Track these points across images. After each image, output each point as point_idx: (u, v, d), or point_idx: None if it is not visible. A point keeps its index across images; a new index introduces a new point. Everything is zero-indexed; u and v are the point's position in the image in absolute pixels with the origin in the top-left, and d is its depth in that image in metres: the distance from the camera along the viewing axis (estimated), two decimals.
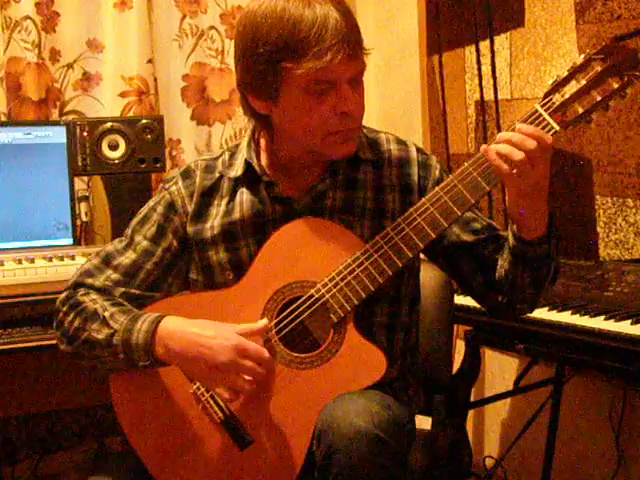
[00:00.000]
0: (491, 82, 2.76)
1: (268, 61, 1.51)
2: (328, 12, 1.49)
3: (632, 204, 2.31)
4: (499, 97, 2.74)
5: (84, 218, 2.73)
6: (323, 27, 1.48)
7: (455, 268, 1.68)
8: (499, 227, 1.68)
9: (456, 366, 2.35)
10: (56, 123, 2.62)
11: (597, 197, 2.40)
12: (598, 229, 2.41)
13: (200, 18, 3.16)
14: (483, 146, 1.49)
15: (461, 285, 1.73)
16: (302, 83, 1.50)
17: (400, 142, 1.70)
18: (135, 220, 1.70)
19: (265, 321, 1.54)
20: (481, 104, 2.82)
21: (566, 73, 1.49)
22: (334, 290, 1.54)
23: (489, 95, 2.78)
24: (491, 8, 2.73)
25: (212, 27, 3.17)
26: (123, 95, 3.00)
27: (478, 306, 2.24)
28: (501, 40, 2.71)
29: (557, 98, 1.49)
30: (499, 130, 2.74)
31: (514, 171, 1.44)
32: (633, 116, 2.26)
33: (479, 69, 2.81)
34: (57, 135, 2.54)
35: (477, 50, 2.81)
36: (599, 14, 2.35)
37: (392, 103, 3.21)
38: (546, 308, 2.09)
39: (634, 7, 2.25)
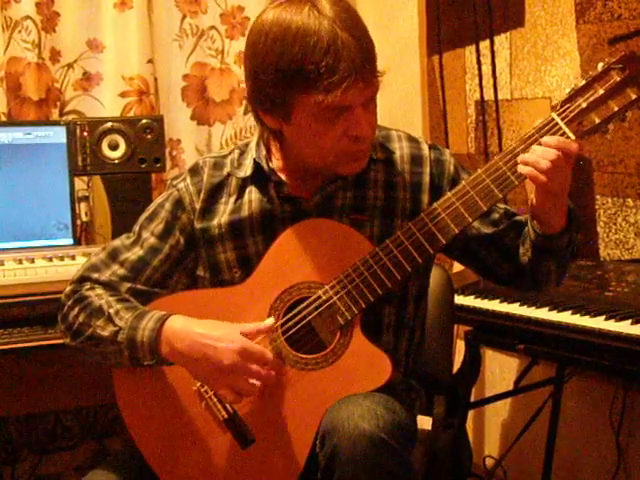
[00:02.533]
0: (491, 82, 2.77)
1: (278, 87, 1.48)
2: (342, 37, 1.43)
3: (632, 204, 2.31)
4: (499, 97, 2.74)
5: (84, 218, 2.73)
6: (335, 56, 1.43)
7: (478, 260, 1.69)
8: (516, 212, 1.69)
9: (456, 366, 2.36)
10: (56, 123, 2.62)
11: (597, 197, 2.40)
12: (598, 229, 2.41)
13: (200, 18, 3.16)
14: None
15: (485, 275, 1.73)
16: (313, 110, 1.48)
17: (412, 139, 1.69)
18: (143, 216, 1.70)
19: (271, 320, 1.54)
20: (481, 104, 2.82)
21: (584, 82, 1.49)
22: (342, 292, 1.54)
23: (489, 95, 2.78)
24: (491, 8, 2.73)
25: (212, 27, 3.17)
26: (123, 95, 3.00)
27: (478, 306, 2.26)
28: (501, 40, 2.71)
29: (574, 107, 1.49)
30: (499, 130, 2.75)
31: (544, 178, 1.46)
32: (634, 116, 2.25)
33: (479, 69, 2.81)
34: (57, 135, 2.54)
35: (477, 50, 2.81)
36: (599, 14, 2.35)
37: (392, 103, 3.21)
38: (546, 308, 2.09)
39: (634, 7, 2.25)
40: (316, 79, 1.44)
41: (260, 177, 1.64)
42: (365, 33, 1.49)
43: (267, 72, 1.48)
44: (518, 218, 1.66)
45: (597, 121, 1.49)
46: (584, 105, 1.49)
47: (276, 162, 1.65)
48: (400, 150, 1.67)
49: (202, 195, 1.66)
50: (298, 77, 1.45)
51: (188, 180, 1.68)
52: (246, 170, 1.66)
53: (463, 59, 2.88)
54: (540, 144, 1.48)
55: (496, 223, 1.65)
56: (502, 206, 1.68)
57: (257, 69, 1.50)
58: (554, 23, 2.50)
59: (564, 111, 1.49)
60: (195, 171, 1.69)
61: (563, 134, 1.48)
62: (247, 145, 1.70)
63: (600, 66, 1.49)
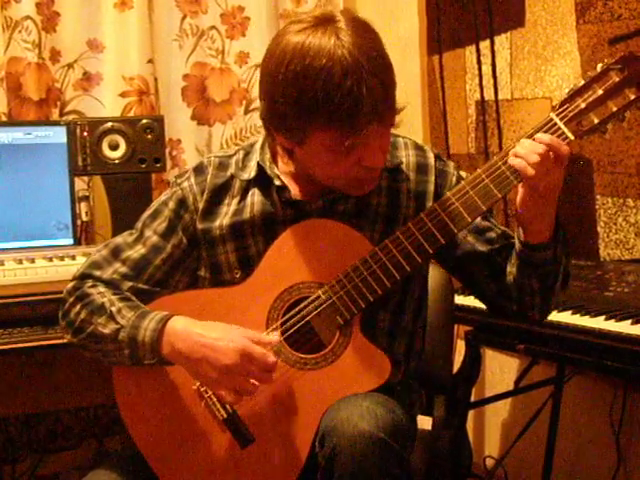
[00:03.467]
0: (491, 82, 2.77)
1: (296, 118, 1.46)
2: (366, 80, 1.41)
3: (632, 204, 2.31)
4: (499, 97, 2.74)
5: (84, 218, 2.73)
6: (358, 100, 1.41)
7: (468, 276, 1.69)
8: (513, 235, 1.67)
9: (456, 366, 2.35)
10: (56, 123, 2.62)
11: (597, 197, 2.40)
12: (598, 229, 2.41)
13: (200, 18, 3.15)
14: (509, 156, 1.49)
15: (473, 292, 1.74)
16: (329, 142, 1.47)
17: (418, 147, 1.69)
18: (146, 214, 1.70)
19: (277, 336, 1.54)
20: (481, 104, 2.82)
21: (583, 82, 1.49)
22: (341, 292, 1.53)
23: (489, 95, 2.78)
24: (491, 8, 2.73)
25: (212, 27, 3.17)
26: (123, 95, 3.00)
27: (478, 306, 2.26)
28: (501, 40, 2.71)
29: (573, 107, 1.49)
30: (499, 130, 2.75)
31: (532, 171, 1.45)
32: (633, 116, 2.26)
33: (479, 69, 2.81)
34: (57, 135, 2.54)
35: (477, 50, 2.81)
36: (599, 14, 2.35)
37: None
38: None
39: (634, 7, 2.25)
40: (336, 119, 1.43)
41: (263, 180, 1.64)
42: (388, 68, 1.48)
43: (285, 103, 1.46)
44: (514, 241, 1.65)
45: (596, 121, 1.49)
46: (583, 105, 1.49)
47: (281, 165, 1.65)
48: (406, 158, 1.67)
49: (205, 195, 1.66)
50: (317, 114, 1.44)
51: (192, 179, 1.68)
52: (250, 172, 1.66)
53: (463, 59, 2.88)
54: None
55: (491, 242, 1.65)
56: (502, 227, 1.68)
57: (275, 98, 1.48)
58: (554, 23, 2.50)
59: (563, 111, 1.49)
60: (199, 170, 1.69)
61: (562, 134, 1.48)
62: (252, 146, 1.70)
63: (599, 67, 1.49)
